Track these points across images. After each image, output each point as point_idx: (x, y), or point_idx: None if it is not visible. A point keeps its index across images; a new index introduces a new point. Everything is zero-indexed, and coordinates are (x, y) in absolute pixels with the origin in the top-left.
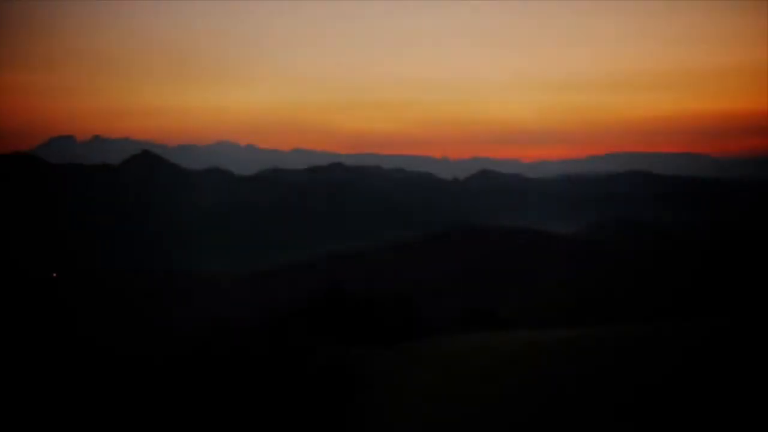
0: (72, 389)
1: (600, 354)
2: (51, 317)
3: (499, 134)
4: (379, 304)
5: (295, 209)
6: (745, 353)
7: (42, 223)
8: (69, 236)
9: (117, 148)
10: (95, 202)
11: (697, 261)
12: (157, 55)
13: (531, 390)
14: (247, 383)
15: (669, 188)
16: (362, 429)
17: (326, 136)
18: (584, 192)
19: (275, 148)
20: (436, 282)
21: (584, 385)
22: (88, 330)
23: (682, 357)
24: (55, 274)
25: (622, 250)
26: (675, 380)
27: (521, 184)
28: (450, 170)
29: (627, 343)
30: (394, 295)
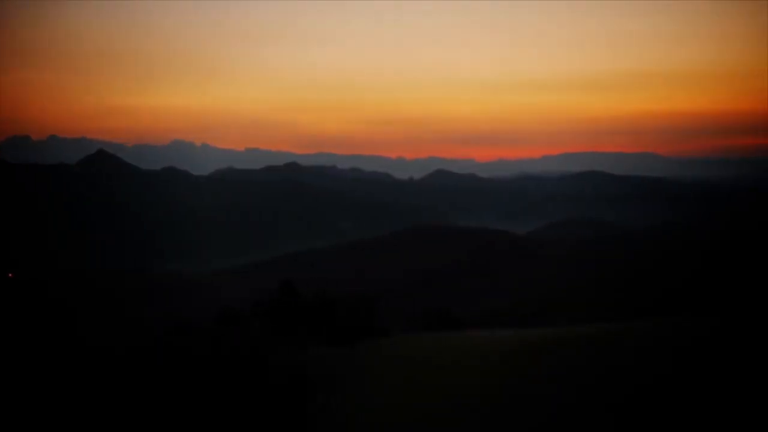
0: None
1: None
2: (9, 316)
3: (455, 134)
4: (337, 304)
5: (251, 209)
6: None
7: None
8: (24, 236)
9: (73, 147)
10: (51, 202)
11: (653, 259)
12: (112, 55)
13: (491, 390)
14: (205, 383)
15: (625, 188)
16: (323, 429)
17: (281, 135)
18: (540, 192)
19: (230, 148)
20: (393, 282)
21: (540, 385)
22: (44, 328)
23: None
24: (11, 275)
25: (579, 249)
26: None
27: (477, 184)
28: (406, 170)
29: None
30: (352, 294)
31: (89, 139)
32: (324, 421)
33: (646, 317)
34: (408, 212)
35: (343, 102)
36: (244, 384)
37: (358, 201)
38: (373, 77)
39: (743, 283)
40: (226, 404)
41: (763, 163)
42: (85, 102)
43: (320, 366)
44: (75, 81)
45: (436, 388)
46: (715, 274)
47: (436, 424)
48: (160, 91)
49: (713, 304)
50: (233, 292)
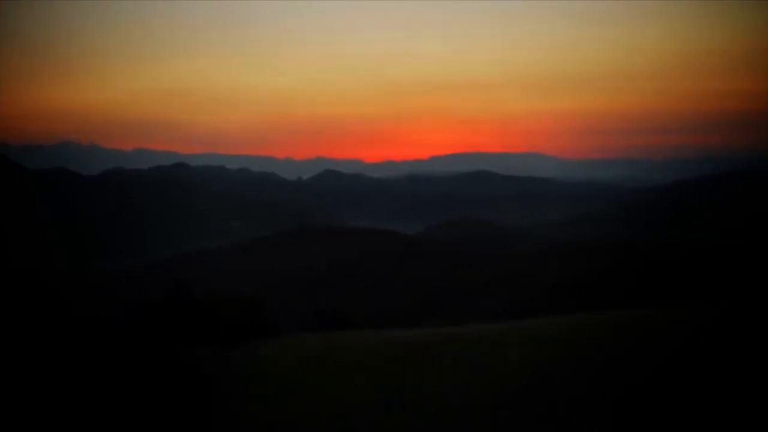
0: None
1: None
2: None
3: (343, 135)
4: (226, 304)
5: (140, 210)
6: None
7: None
8: None
9: None
10: None
11: (543, 259)
12: None
13: (381, 389)
14: (96, 382)
15: (513, 188)
16: (214, 428)
17: (169, 135)
18: (428, 192)
19: (118, 148)
20: (282, 282)
21: (433, 382)
22: None
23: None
24: None
25: (466, 249)
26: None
27: (365, 184)
28: (294, 170)
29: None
30: (242, 294)
31: None
32: (218, 421)
33: (531, 316)
34: (296, 212)
35: (230, 102)
36: (137, 382)
37: (247, 201)
38: (259, 76)
39: (622, 282)
40: (120, 401)
41: (647, 163)
42: None
43: (211, 366)
44: None
45: (327, 387)
46: (596, 272)
47: (326, 424)
48: (49, 89)
49: (597, 300)
50: (124, 292)
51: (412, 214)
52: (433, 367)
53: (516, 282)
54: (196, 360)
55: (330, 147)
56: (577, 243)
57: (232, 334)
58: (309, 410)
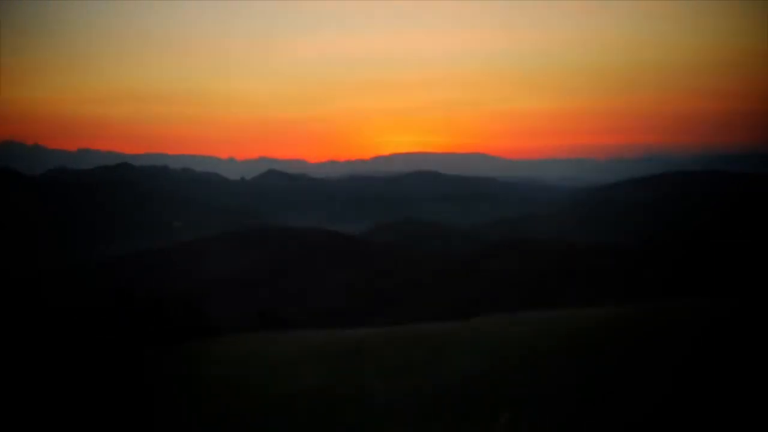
0: None
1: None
2: None
3: (286, 134)
4: (169, 304)
5: (82, 210)
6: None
7: None
8: None
9: None
10: None
11: (486, 259)
12: None
13: (321, 389)
14: (41, 382)
15: (457, 188)
16: (158, 427)
17: (113, 135)
18: (371, 192)
19: (62, 148)
20: (224, 282)
21: (372, 383)
22: None
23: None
24: None
25: (409, 249)
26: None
27: (307, 184)
28: (237, 170)
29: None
30: (183, 295)
31: None
32: (158, 419)
33: (473, 316)
34: (239, 212)
35: (173, 102)
36: (83, 383)
37: (190, 201)
38: (201, 76)
39: (562, 281)
40: (66, 400)
41: (591, 163)
42: None
43: (152, 366)
44: None
45: (267, 386)
46: (538, 271)
47: (266, 422)
48: None
49: (538, 299)
50: (67, 293)
51: (354, 215)
52: (375, 368)
53: (458, 281)
54: (138, 360)
55: (273, 147)
56: (519, 242)
57: (174, 335)
58: (249, 409)
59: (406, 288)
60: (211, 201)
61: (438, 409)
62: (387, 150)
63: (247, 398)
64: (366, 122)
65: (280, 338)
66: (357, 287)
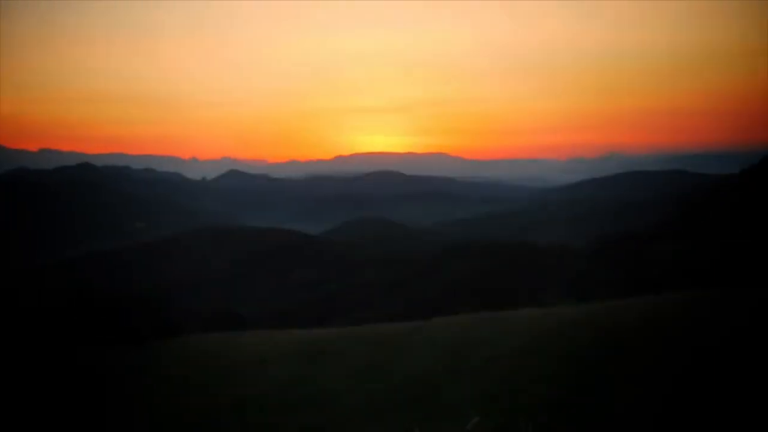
0: None
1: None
2: None
3: (248, 135)
4: (130, 304)
5: (43, 211)
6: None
7: None
8: None
9: None
10: None
11: (446, 260)
12: None
13: (279, 389)
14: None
15: (418, 188)
16: (115, 425)
17: (74, 136)
18: (332, 192)
19: (23, 148)
20: (185, 282)
21: (332, 383)
22: None
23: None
24: None
25: (370, 249)
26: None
27: (269, 184)
28: (199, 171)
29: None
30: (144, 295)
31: None
32: (117, 419)
33: (434, 316)
34: (201, 213)
35: (136, 102)
36: (42, 383)
37: (152, 201)
38: (162, 76)
39: (522, 280)
40: (25, 401)
41: (552, 163)
42: None
43: (114, 365)
44: None
45: (224, 386)
46: (498, 271)
47: (222, 421)
48: None
49: (498, 299)
50: (27, 294)
51: (315, 215)
52: (337, 368)
53: (418, 281)
54: (94, 360)
55: (235, 147)
56: (480, 243)
57: (135, 334)
58: (206, 408)
59: (368, 288)
60: (172, 201)
61: (400, 410)
62: (348, 150)
63: (205, 398)
64: (327, 122)
65: (240, 338)
66: (318, 287)
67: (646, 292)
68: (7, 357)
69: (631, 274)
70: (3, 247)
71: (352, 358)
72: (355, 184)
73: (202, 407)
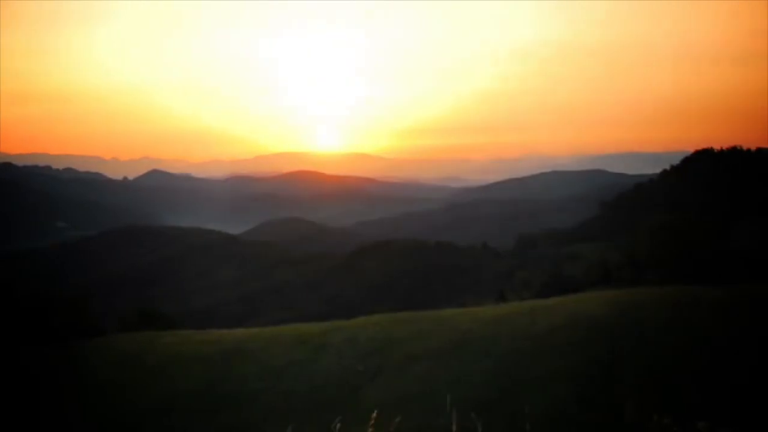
0: None
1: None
2: None
3: (169, 134)
4: (50, 304)
5: None
6: None
7: None
8: None
9: None
10: None
11: (363, 258)
12: None
13: (200, 389)
14: None
15: (338, 188)
16: (43, 426)
17: None
18: (252, 192)
19: None
20: (107, 281)
21: (258, 382)
22: None
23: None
24: None
25: (289, 248)
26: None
27: (191, 184)
28: (120, 170)
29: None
30: (64, 294)
31: None
32: (46, 420)
33: (352, 315)
34: (121, 212)
35: (57, 100)
36: None
37: (73, 201)
38: (82, 75)
39: (435, 280)
40: None
41: (468, 163)
42: None
43: (36, 366)
44: None
45: (147, 386)
46: (414, 271)
47: (144, 422)
48: None
49: (413, 298)
50: None
51: (237, 214)
52: (256, 368)
53: (337, 280)
54: (17, 360)
55: (156, 147)
56: (398, 242)
57: (56, 335)
58: (127, 408)
59: (287, 287)
60: (94, 201)
61: (320, 409)
62: (269, 150)
63: (127, 399)
64: (249, 122)
65: (162, 338)
66: (236, 286)
67: (566, 292)
68: None
69: (551, 275)
70: None
71: (271, 358)
72: (276, 183)
73: (123, 409)
